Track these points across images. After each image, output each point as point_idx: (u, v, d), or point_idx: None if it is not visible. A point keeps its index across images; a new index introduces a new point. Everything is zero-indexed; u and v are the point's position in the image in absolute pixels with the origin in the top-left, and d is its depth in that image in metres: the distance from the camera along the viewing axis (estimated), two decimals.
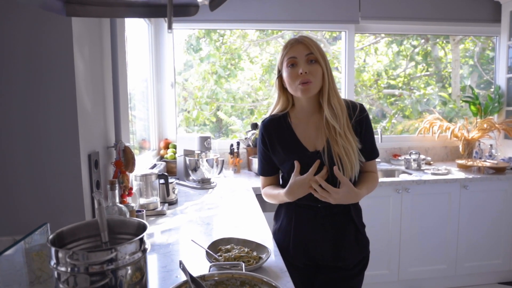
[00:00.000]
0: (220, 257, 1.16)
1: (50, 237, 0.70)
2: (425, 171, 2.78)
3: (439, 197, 2.58)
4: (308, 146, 1.28)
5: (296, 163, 1.25)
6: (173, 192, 1.91)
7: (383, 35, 3.45)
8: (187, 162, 2.32)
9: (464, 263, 2.66)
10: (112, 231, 0.80)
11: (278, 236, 1.39)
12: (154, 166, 2.40)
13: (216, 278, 0.89)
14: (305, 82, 1.20)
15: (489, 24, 3.13)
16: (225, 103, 3.67)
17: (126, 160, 1.35)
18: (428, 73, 3.72)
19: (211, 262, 1.13)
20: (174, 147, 2.81)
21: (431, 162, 3.08)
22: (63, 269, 0.67)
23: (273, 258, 1.21)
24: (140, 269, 0.75)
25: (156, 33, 2.82)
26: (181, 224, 1.59)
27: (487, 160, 2.88)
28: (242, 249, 1.19)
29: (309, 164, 1.24)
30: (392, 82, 3.64)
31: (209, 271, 1.02)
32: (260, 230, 1.50)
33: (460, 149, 3.01)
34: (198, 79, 3.53)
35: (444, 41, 3.66)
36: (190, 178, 2.41)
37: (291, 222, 1.34)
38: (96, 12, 0.77)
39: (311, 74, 1.20)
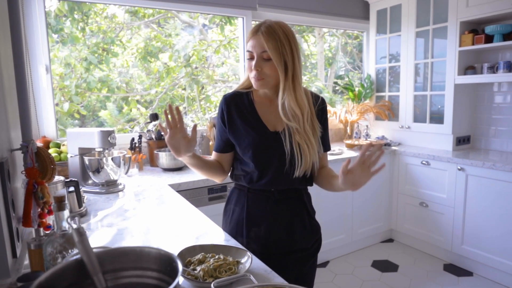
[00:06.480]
0: (195, 271, 0.97)
1: None
2: None
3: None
4: (269, 126, 1.27)
5: None
6: (83, 201, 1.53)
7: None
8: (87, 163, 1.91)
9: (358, 230, 3.04)
10: (106, 270, 0.54)
11: (231, 227, 1.35)
12: None
13: None
14: (258, 78, 1.19)
15: (359, 20, 3.58)
16: (98, 93, 3.19)
17: (41, 166, 0.99)
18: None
19: (185, 278, 0.94)
20: (57, 145, 2.28)
21: None
22: None
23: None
24: None
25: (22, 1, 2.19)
26: (113, 239, 1.28)
27: (368, 139, 3.33)
28: (217, 257, 1.03)
29: (267, 143, 1.24)
30: None
31: None
32: (211, 229, 1.34)
33: (348, 131, 3.40)
34: (60, 66, 2.93)
35: (309, 34, 4.01)
36: (90, 181, 2.00)
37: (244, 209, 1.31)
38: None
39: (263, 72, 1.19)
